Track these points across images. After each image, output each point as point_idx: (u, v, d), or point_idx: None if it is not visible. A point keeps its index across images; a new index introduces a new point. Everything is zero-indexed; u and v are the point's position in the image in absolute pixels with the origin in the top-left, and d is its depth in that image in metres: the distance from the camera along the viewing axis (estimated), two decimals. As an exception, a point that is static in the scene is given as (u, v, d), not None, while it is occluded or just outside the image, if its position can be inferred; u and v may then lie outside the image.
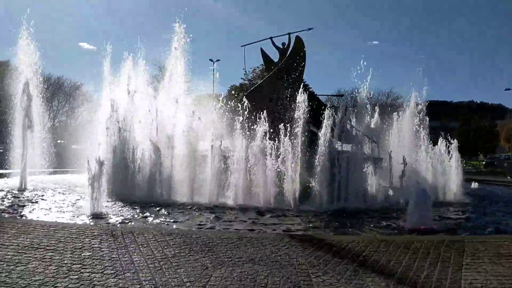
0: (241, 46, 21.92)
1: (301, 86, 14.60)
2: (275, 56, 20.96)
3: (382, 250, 6.07)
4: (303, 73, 18.32)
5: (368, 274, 4.98)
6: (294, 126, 13.00)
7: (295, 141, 12.83)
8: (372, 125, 16.23)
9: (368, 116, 15.13)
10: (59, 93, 60.01)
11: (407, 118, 19.43)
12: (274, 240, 6.59)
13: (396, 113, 19.39)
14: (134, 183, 13.83)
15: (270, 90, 17.39)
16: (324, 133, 12.87)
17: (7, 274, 4.64)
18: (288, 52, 19.80)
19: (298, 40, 19.40)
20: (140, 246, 6.01)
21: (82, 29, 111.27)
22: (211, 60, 52.90)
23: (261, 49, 21.19)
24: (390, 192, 14.71)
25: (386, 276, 4.93)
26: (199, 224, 9.06)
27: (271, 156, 12.66)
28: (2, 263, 5.04)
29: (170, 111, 14.67)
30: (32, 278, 4.52)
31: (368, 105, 15.33)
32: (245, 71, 50.99)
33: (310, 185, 12.53)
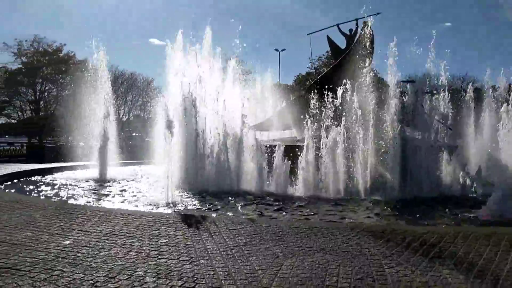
0: (307, 34, 21.74)
1: (371, 72, 14.25)
2: (342, 43, 20.57)
3: (460, 242, 5.79)
4: (372, 59, 17.84)
5: (445, 266, 4.79)
6: (364, 114, 12.72)
7: (365, 130, 12.56)
8: (446, 111, 15.48)
9: (442, 102, 14.41)
10: (132, 88, 62.80)
11: (485, 102, 18.30)
12: (345, 230, 6.51)
13: (472, 97, 18.31)
14: (204, 174, 14.25)
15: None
16: (395, 120, 12.49)
17: (92, 259, 4.98)
18: (355, 39, 19.34)
19: (366, 26, 18.86)
20: (213, 234, 6.19)
21: (151, 25, 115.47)
22: (276, 50, 53.12)
23: (328, 37, 20.88)
24: (467, 181, 13.97)
25: (464, 269, 4.71)
26: (268, 214, 9.15)
27: (341, 145, 12.49)
28: (88, 248, 5.41)
29: (238, 102, 14.88)
30: (115, 263, 4.81)
31: (441, 90, 14.61)
32: (311, 60, 50.71)
33: (382, 173, 12.22)
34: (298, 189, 12.33)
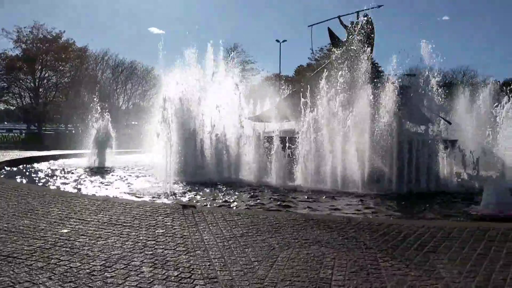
0: (308, 26, 21.66)
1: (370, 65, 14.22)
2: (343, 35, 20.46)
3: (455, 237, 5.83)
4: (372, 51, 17.77)
5: (439, 260, 4.82)
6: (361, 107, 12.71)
7: (362, 123, 12.55)
8: (445, 105, 15.45)
9: (441, 96, 14.38)
10: (132, 77, 62.48)
11: (483, 97, 18.33)
12: (341, 223, 6.54)
13: (471, 92, 18.33)
14: (202, 164, 14.27)
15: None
16: (394, 113, 12.48)
17: (89, 247, 5.01)
18: (356, 31, 19.23)
19: (367, 19, 18.77)
20: (210, 225, 6.22)
21: (150, 14, 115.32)
22: (277, 41, 52.86)
23: (329, 29, 20.75)
24: (464, 176, 14.02)
25: (459, 263, 4.74)
26: (266, 205, 9.18)
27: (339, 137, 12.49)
28: (85, 237, 5.44)
29: (234, 94, 14.84)
30: (112, 252, 4.84)
31: (441, 85, 14.57)
32: (312, 51, 50.76)
33: (379, 167, 12.23)
34: (296, 181, 12.36)
